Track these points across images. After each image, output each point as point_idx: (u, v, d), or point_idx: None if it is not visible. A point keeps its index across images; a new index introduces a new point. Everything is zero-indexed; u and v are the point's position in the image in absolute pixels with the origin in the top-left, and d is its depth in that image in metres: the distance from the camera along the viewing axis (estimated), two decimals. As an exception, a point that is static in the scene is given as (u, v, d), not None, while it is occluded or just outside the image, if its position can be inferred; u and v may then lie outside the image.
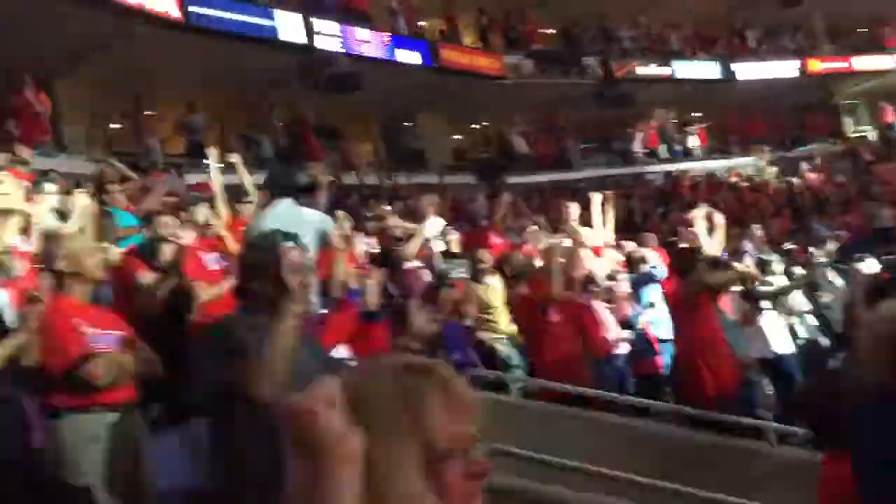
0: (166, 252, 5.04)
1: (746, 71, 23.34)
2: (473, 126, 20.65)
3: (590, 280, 6.84)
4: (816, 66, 24.78)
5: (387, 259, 6.86)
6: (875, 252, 8.08)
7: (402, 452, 1.10)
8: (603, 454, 4.88)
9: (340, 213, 6.17)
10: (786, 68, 24.12)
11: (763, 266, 8.13)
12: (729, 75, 22.87)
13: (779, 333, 6.99)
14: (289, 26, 14.67)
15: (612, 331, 6.76)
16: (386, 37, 16.44)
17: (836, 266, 8.60)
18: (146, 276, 4.92)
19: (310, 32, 14.89)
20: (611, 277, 7.40)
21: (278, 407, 1.10)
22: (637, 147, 20.84)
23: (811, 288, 7.93)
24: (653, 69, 21.62)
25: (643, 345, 6.80)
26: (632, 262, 8.16)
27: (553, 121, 20.36)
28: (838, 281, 8.25)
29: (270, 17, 14.54)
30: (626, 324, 6.98)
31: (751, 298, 7.05)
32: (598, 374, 6.25)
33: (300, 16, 14.88)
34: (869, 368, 2.22)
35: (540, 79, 19.19)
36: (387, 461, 1.09)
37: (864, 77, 25.23)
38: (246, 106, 15.25)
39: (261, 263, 2.97)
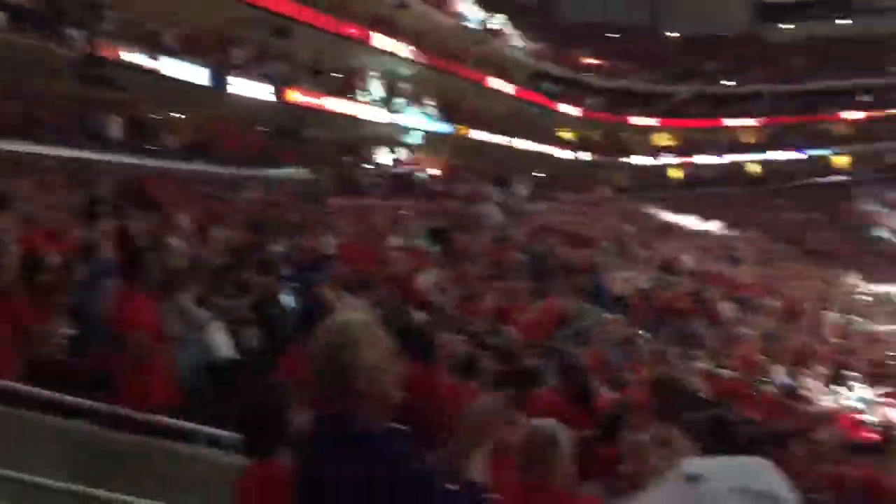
0: None
1: (234, 85, 24.03)
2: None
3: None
4: (295, 96, 26.69)
5: None
6: (322, 273, 8.92)
7: None
8: (35, 460, 4.53)
9: None
10: (266, 91, 25.41)
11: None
12: (217, 84, 23.24)
13: (222, 340, 7.16)
14: None
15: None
16: None
17: (291, 285, 9.15)
18: None
19: None
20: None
21: None
22: (115, 134, 19.94)
23: (262, 300, 8.30)
24: (139, 58, 20.94)
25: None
26: (87, 249, 7.74)
27: (25, 86, 18.40)
28: (290, 300, 8.78)
29: None
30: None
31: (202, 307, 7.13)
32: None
33: None
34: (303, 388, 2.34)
35: (13, 36, 17.28)
36: None
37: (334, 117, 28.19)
38: None
39: None
